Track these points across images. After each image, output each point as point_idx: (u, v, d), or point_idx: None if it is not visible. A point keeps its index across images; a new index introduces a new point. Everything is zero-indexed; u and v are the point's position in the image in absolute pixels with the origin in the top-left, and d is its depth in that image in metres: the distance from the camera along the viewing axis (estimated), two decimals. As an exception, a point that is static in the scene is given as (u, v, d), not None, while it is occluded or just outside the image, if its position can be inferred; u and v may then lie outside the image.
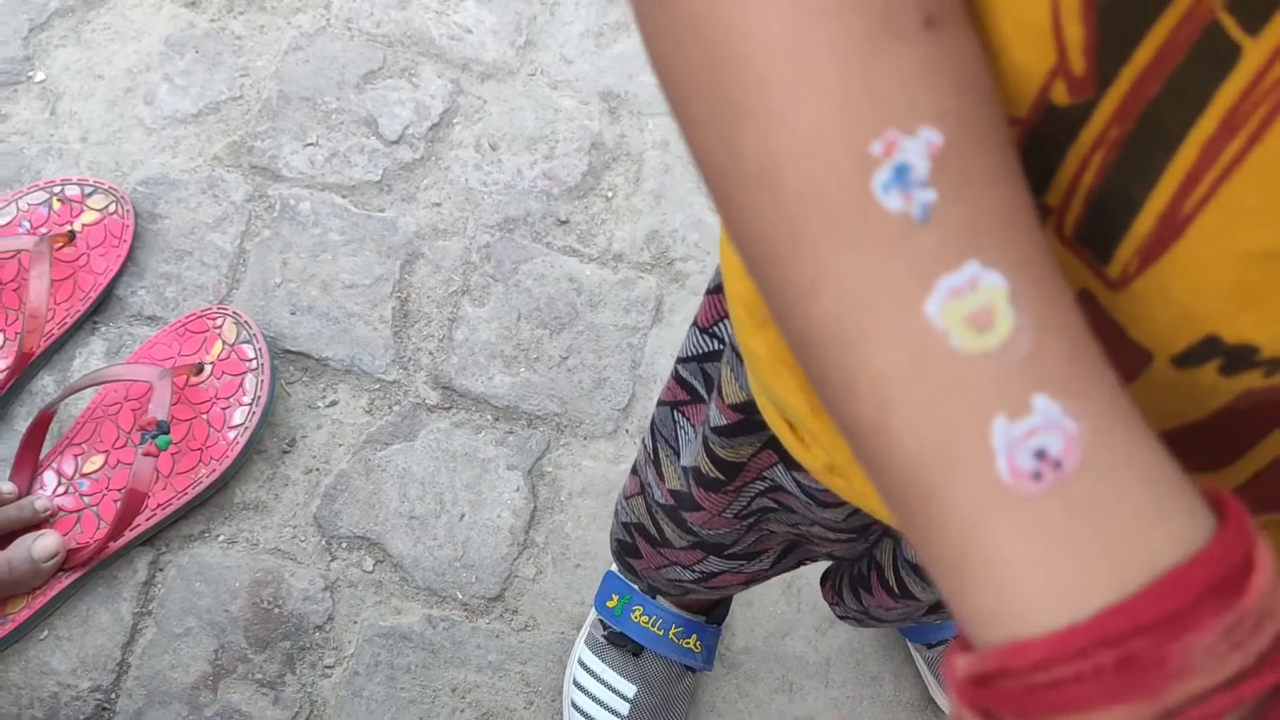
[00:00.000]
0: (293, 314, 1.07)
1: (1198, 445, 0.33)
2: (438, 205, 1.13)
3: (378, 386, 1.06)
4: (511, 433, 1.05)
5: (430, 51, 1.19)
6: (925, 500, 0.24)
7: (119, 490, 0.96)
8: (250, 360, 1.01)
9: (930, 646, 0.98)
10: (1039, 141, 0.27)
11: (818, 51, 0.24)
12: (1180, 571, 0.22)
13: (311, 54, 1.18)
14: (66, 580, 0.94)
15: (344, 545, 1.01)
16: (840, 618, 0.81)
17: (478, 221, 1.12)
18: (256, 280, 1.08)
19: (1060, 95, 0.26)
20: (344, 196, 1.12)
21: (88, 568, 0.95)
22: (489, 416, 1.06)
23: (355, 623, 0.98)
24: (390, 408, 1.05)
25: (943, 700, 0.99)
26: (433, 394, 1.06)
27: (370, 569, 1.00)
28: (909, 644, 1.01)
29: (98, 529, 0.95)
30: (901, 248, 0.24)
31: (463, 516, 1.02)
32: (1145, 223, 0.26)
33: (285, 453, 1.03)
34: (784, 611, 1.03)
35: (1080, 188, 0.27)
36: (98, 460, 0.98)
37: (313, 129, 1.14)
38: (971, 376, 0.23)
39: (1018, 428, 0.23)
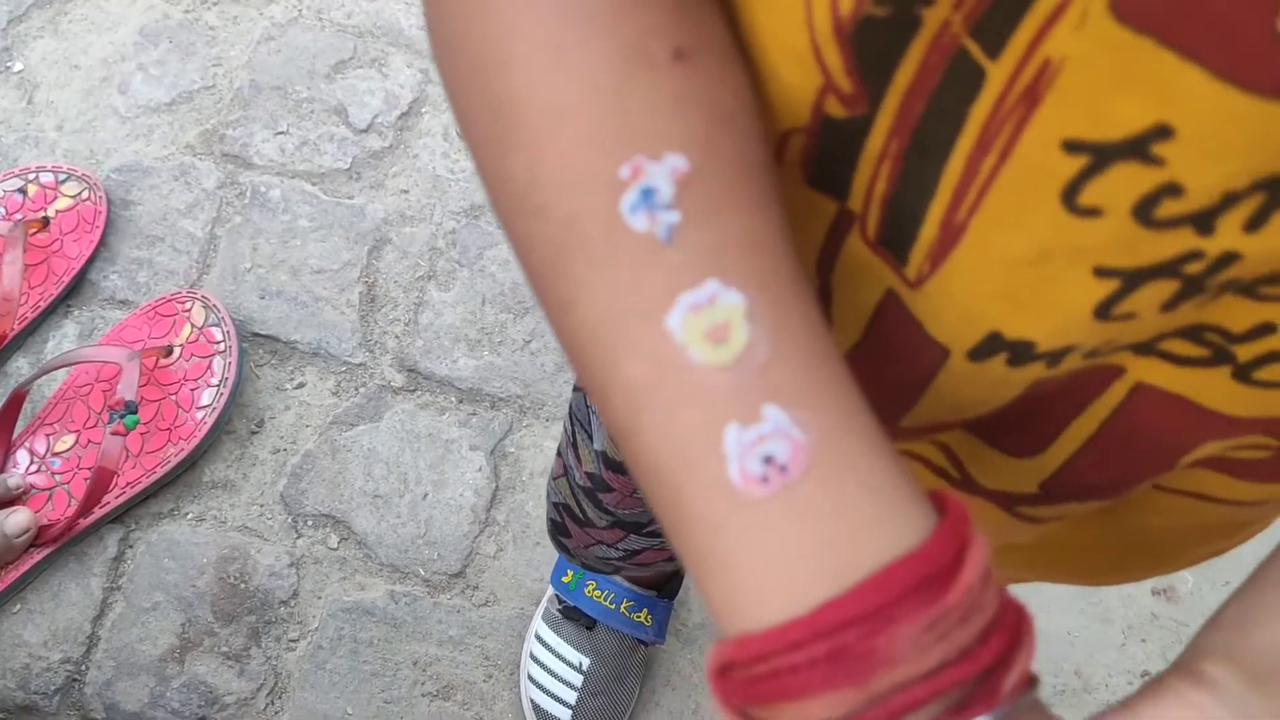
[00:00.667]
0: (262, 298, 1.09)
1: (1011, 432, 0.36)
2: (405, 192, 1.15)
3: (344, 369, 1.08)
4: (475, 414, 1.08)
5: (400, 42, 1.22)
6: (673, 500, 0.26)
7: (89, 469, 0.99)
8: (219, 343, 1.04)
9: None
10: (832, 149, 0.29)
11: (573, 83, 0.26)
12: (889, 570, 0.24)
13: (283, 44, 1.20)
14: (38, 556, 0.97)
15: (310, 523, 1.03)
16: None
17: (444, 208, 1.15)
18: (227, 265, 1.10)
19: (835, 109, 0.28)
20: (314, 184, 1.14)
21: (59, 544, 0.98)
22: (453, 398, 1.08)
23: (320, 598, 1.01)
24: (356, 389, 1.08)
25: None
26: (398, 376, 1.09)
27: (335, 546, 1.03)
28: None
29: (69, 506, 0.98)
30: (647, 266, 0.25)
31: (426, 495, 1.05)
32: (930, 230, 0.28)
33: (253, 433, 1.05)
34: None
35: (875, 195, 0.29)
36: (69, 440, 1.01)
37: (284, 118, 1.17)
38: (708, 387, 0.25)
39: (748, 434, 0.24)
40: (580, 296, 0.26)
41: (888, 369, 0.34)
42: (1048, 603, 1.07)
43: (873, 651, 0.23)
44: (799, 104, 0.28)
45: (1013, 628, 0.25)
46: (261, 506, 1.03)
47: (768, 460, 0.24)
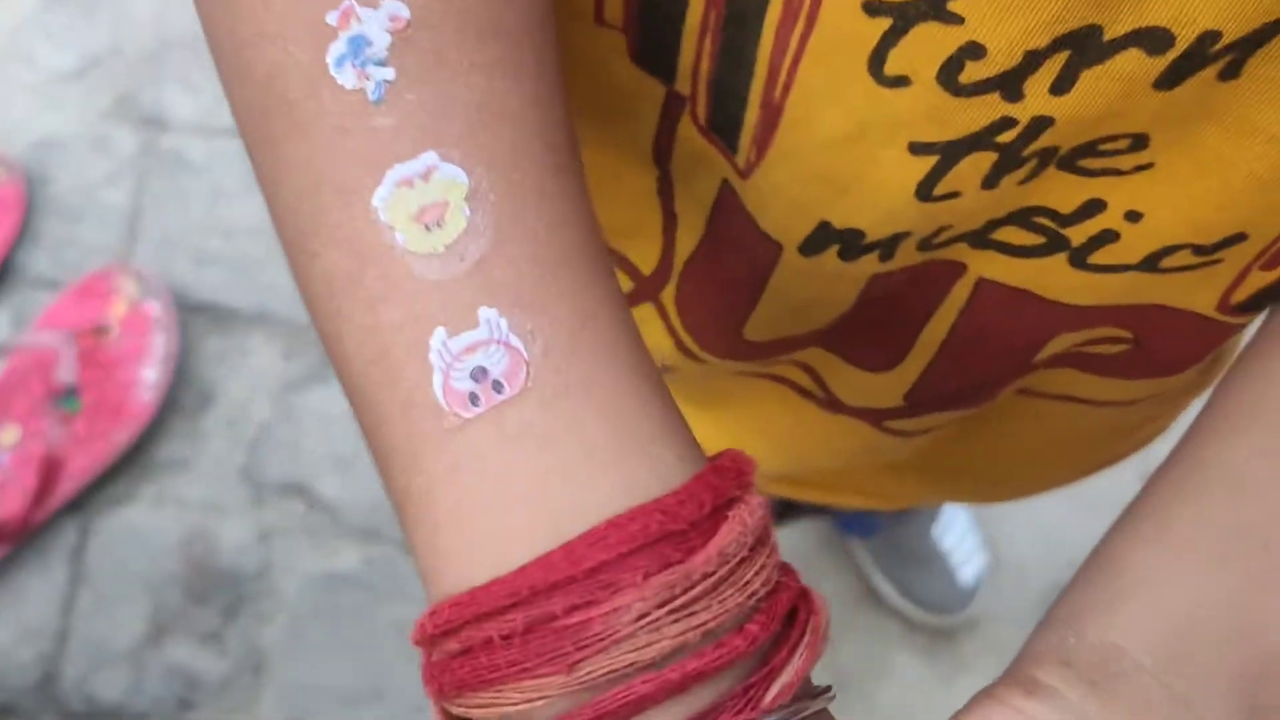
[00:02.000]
0: (197, 265, 1.05)
1: (865, 345, 0.34)
2: (337, 140, 1.10)
3: (291, 331, 1.04)
4: (432, 364, 1.05)
5: (314, -20, 1.16)
6: (374, 423, 0.21)
7: (37, 460, 0.95)
8: (157, 317, 1.00)
9: (865, 539, 0.99)
10: (653, 21, 0.26)
11: None
12: (616, 521, 0.19)
13: (190, -5, 1.14)
14: (-5, 555, 0.94)
15: (273, 493, 1.00)
16: None
17: (379, 153, 1.10)
18: (156, 234, 1.05)
19: None
20: (236, 140, 1.09)
21: (16, 541, 0.95)
22: (408, 350, 1.05)
23: (292, 570, 0.98)
24: (306, 350, 1.04)
25: (882, 586, 1.00)
26: (349, 333, 1.05)
27: (302, 514, 1.00)
28: (844, 539, 1.02)
29: (20, 500, 0.95)
30: (353, 131, 0.21)
31: (390, 453, 1.02)
32: (753, 112, 0.25)
33: (203, 407, 1.02)
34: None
35: (701, 76, 0.26)
36: (14, 432, 0.97)
37: (197, 74, 1.11)
38: (414, 280, 0.21)
39: (458, 342, 0.20)
40: (281, 170, 0.22)
41: (726, 268, 0.32)
42: (1039, 498, 1.05)
43: (585, 626, 0.19)
44: None
45: (786, 611, 0.20)
46: (221, 482, 1.00)
47: (479, 375, 0.20)
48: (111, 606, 0.96)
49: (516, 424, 0.20)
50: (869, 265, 0.28)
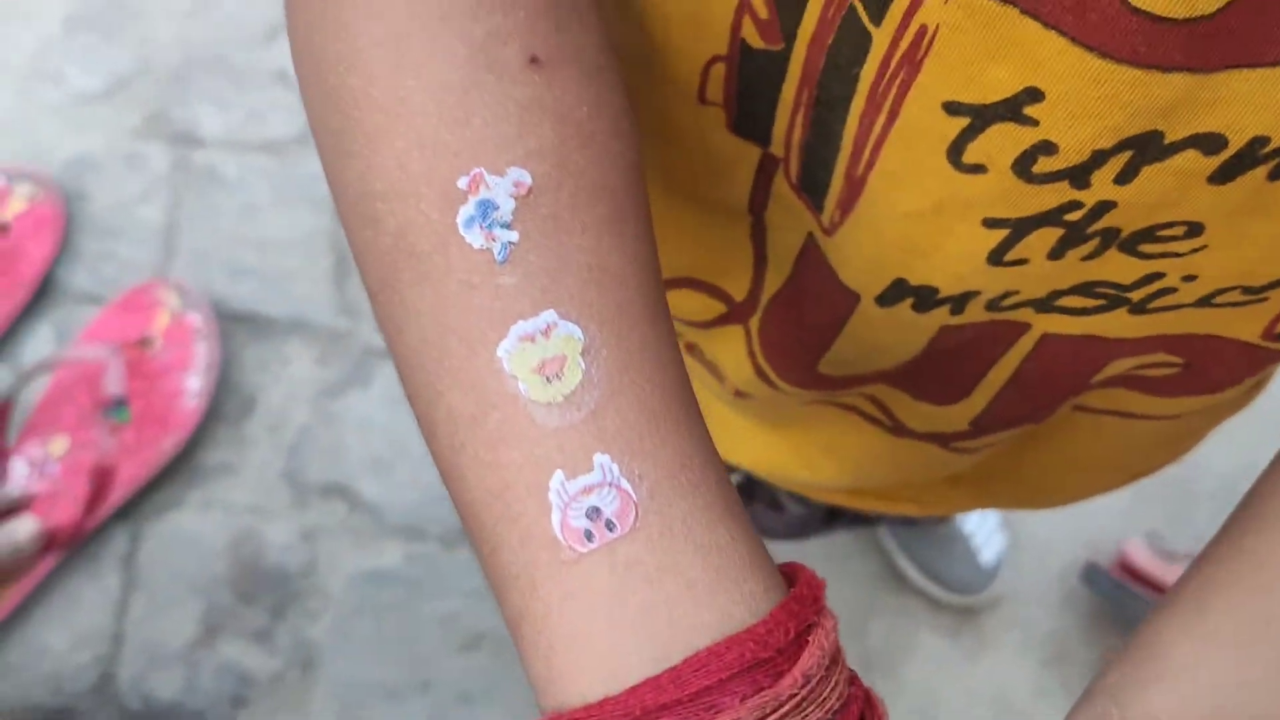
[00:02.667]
0: (233, 277, 1.08)
1: (930, 384, 0.36)
2: (363, 151, 1.13)
3: (326, 338, 1.07)
4: (464, 366, 1.08)
5: (335, -4, 1.18)
6: (492, 550, 0.24)
7: (88, 469, 0.98)
8: (199, 328, 1.03)
9: (890, 523, 1.02)
10: (752, 86, 0.28)
11: (414, 82, 0.24)
12: (715, 650, 0.22)
13: (211, 14, 1.17)
14: (51, 562, 0.97)
15: (316, 495, 1.03)
16: None
17: (404, 163, 1.13)
18: (191, 249, 1.09)
19: (752, 36, 0.27)
20: (266, 155, 1.12)
21: (69, 548, 0.98)
22: (440, 353, 1.08)
23: (336, 568, 1.02)
24: (342, 357, 1.07)
25: (907, 568, 1.04)
26: (381, 339, 1.08)
27: (344, 515, 1.03)
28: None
29: (73, 509, 0.98)
30: (479, 287, 0.23)
31: (426, 455, 1.05)
32: (837, 181, 0.28)
33: (245, 414, 1.05)
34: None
35: (794, 142, 0.29)
36: (63, 443, 1.00)
37: (225, 90, 1.14)
38: (535, 426, 0.23)
39: (575, 484, 0.23)
40: (408, 318, 0.24)
41: (808, 310, 0.35)
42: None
43: None
44: (718, 24, 0.28)
45: (856, 718, 0.23)
46: (265, 485, 1.03)
47: (594, 514, 0.22)
48: (164, 609, 0.99)
49: (626, 559, 0.22)
50: (940, 317, 0.30)
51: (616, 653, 0.22)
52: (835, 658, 0.23)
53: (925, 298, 0.30)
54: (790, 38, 0.26)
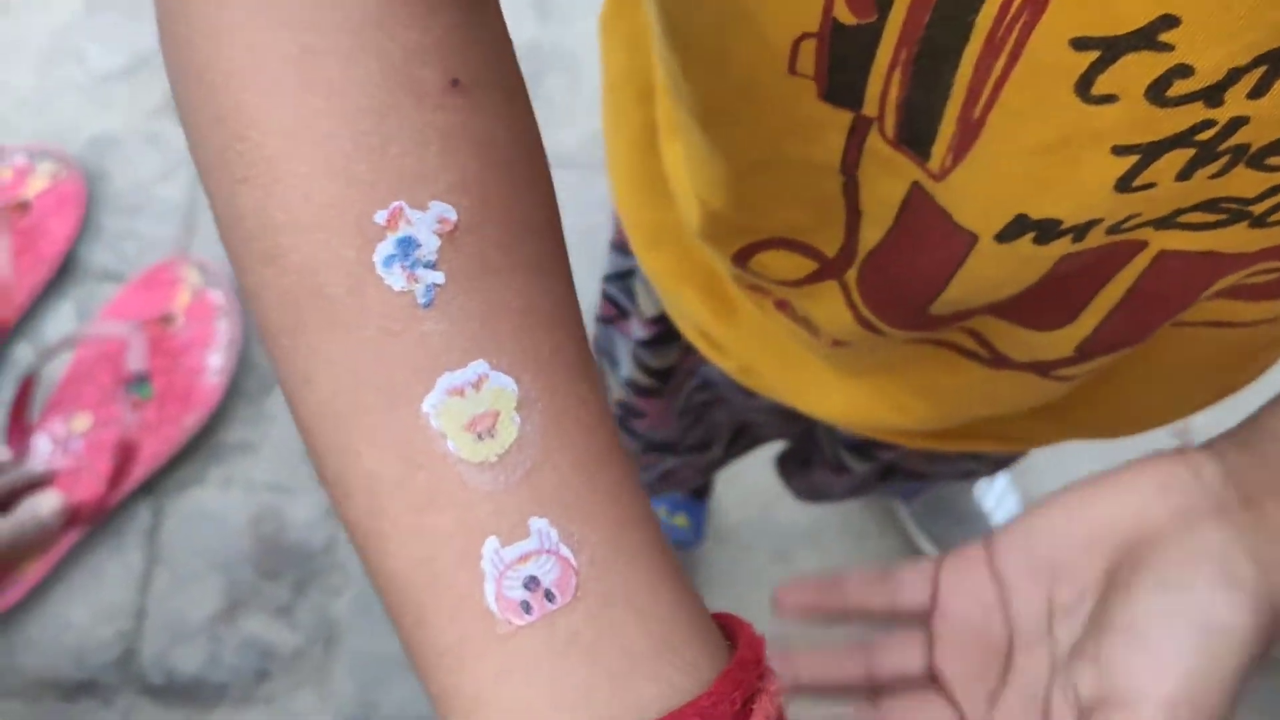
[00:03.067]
0: (254, 255, 1.08)
1: (1037, 311, 0.36)
2: (382, 130, 1.13)
3: (348, 316, 1.08)
4: (484, 345, 1.08)
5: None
6: (416, 623, 0.22)
7: (111, 446, 0.99)
8: (220, 305, 1.03)
9: (908, 500, 1.02)
10: (843, 59, 0.28)
11: (322, 102, 0.21)
12: None
13: (235, -7, 1.17)
14: (75, 536, 0.98)
15: (336, 472, 1.04)
16: (796, 495, 0.84)
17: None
18: (212, 227, 1.08)
19: (844, 14, 0.26)
20: (288, 133, 1.12)
21: (92, 523, 0.98)
22: (460, 332, 1.08)
23: (357, 543, 1.02)
24: (363, 335, 1.07)
25: (925, 546, 1.04)
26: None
27: (365, 491, 1.04)
28: (889, 501, 1.05)
29: (96, 484, 0.98)
30: (401, 335, 0.21)
31: (447, 431, 1.05)
32: (949, 126, 0.28)
33: (266, 392, 1.05)
34: (772, 484, 1.07)
35: (890, 101, 0.28)
36: (86, 419, 1.00)
37: (247, 69, 1.14)
38: (465, 489, 0.21)
39: (510, 551, 0.21)
40: (317, 367, 0.22)
41: (918, 257, 0.34)
42: (1075, 450, 1.09)
43: None
44: (809, 4, 0.27)
45: None
46: (286, 462, 1.04)
47: (531, 584, 0.21)
48: (186, 584, 1.00)
49: (566, 632, 0.21)
50: (1061, 248, 0.30)
51: None
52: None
53: (1047, 230, 0.29)
54: (885, 6, 0.25)
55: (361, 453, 0.22)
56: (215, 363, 1.02)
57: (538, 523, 0.21)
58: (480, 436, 0.21)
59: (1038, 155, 0.27)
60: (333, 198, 0.21)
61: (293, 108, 0.21)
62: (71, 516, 0.98)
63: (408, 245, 0.21)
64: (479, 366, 0.21)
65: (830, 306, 0.41)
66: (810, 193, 0.35)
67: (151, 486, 1.01)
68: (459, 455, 0.21)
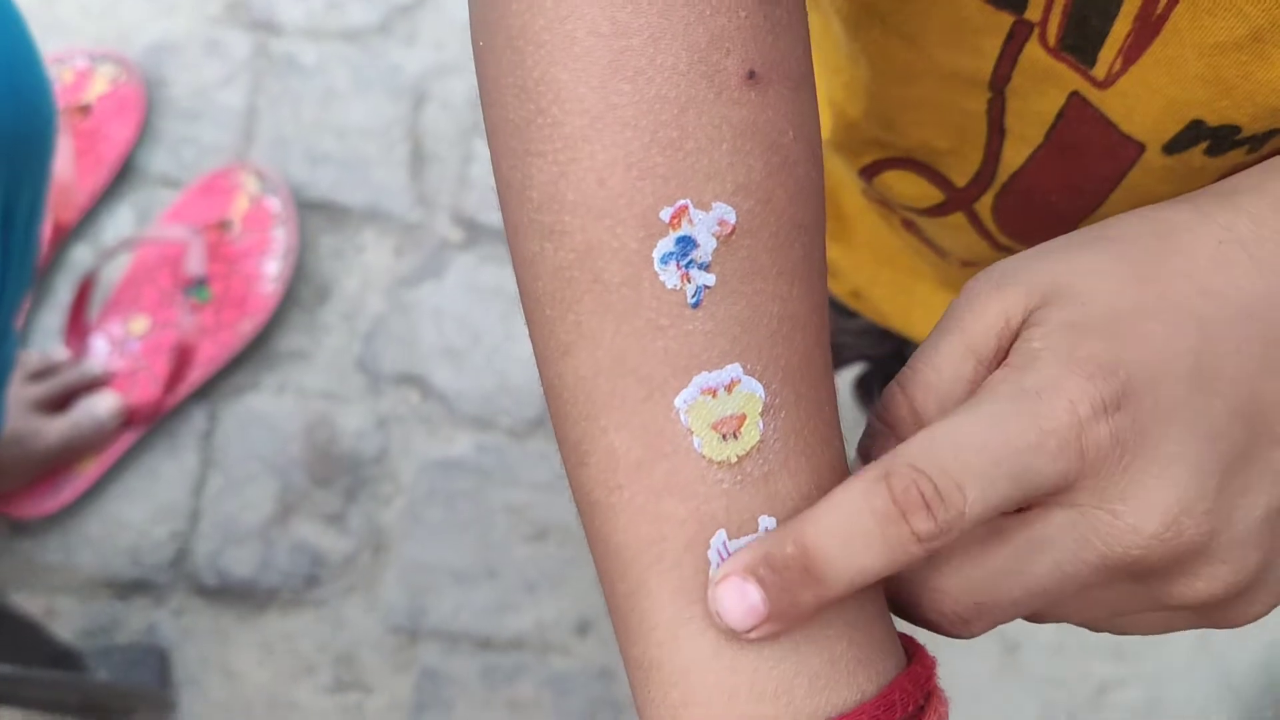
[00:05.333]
0: (311, 164, 1.08)
1: None
2: (441, 45, 1.12)
3: (402, 229, 1.07)
4: (538, 263, 1.08)
5: (415, -113, 1.17)
6: (632, 592, 0.23)
7: (168, 349, 1.00)
8: (277, 213, 1.03)
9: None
10: None
11: (629, 95, 0.22)
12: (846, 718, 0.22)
13: (295, -99, 1.15)
14: (131, 437, 0.99)
15: (389, 383, 1.04)
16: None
17: (482, 57, 1.12)
18: (270, 135, 1.09)
19: None
20: (345, 43, 1.11)
21: (148, 424, 0.99)
22: (514, 249, 1.08)
23: (408, 455, 1.03)
24: (416, 248, 1.07)
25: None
26: (456, 232, 1.08)
27: (416, 403, 1.04)
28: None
29: (153, 386, 0.99)
30: (667, 330, 0.22)
31: (498, 348, 1.05)
32: (1123, 26, 0.26)
33: (321, 301, 1.05)
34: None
35: (1056, 3, 0.27)
36: (144, 322, 1.01)
37: (307, -22, 1.13)
38: (703, 483, 0.22)
39: (736, 545, 0.22)
40: (580, 343, 0.23)
41: (1072, 174, 0.33)
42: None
43: None
44: None
45: None
46: (339, 372, 1.04)
47: None
48: (240, 488, 1.01)
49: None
50: (1233, 159, 0.29)
51: (753, 718, 0.22)
52: None
53: (1222, 139, 0.28)
54: None
55: (608, 430, 0.23)
56: (272, 270, 1.02)
57: (766, 521, 0.22)
58: (725, 437, 0.22)
59: (1223, 53, 0.25)
60: (625, 187, 0.22)
61: (599, 90, 0.22)
62: (128, 417, 0.99)
63: (686, 245, 0.22)
64: (733, 370, 0.22)
65: (958, 234, 0.40)
66: (953, 111, 0.34)
67: (206, 391, 1.02)
68: (702, 452, 0.22)
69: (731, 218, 0.22)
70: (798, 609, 0.21)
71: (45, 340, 1.02)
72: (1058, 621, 0.25)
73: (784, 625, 0.21)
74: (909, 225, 0.43)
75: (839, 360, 0.73)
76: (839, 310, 0.60)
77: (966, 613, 0.23)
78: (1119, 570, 0.23)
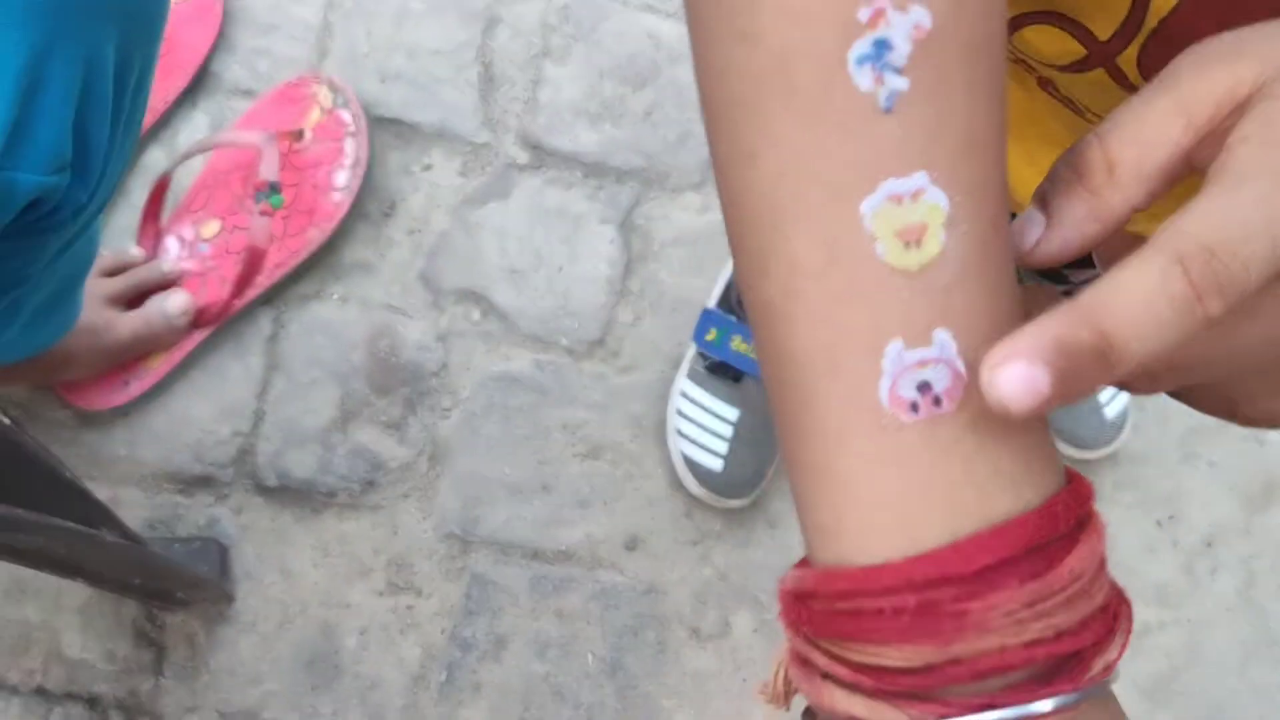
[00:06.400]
0: (382, 82, 1.09)
1: None
2: (513, -31, 1.13)
3: (469, 149, 1.09)
4: (601, 188, 1.09)
5: None
6: (803, 399, 0.24)
7: (238, 252, 1.01)
8: (348, 124, 1.04)
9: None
10: None
11: None
12: (998, 531, 0.22)
13: None
14: (199, 336, 1.01)
15: (451, 299, 1.06)
16: None
17: (554, -17, 1.13)
18: (343, 50, 1.10)
19: None
20: (422, -37, 1.12)
21: (216, 324, 1.01)
22: (578, 173, 1.09)
23: (468, 369, 1.04)
24: (483, 168, 1.08)
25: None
26: (522, 154, 1.09)
27: (477, 320, 1.06)
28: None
29: (222, 288, 1.01)
30: (856, 133, 0.22)
31: (561, 269, 1.07)
32: None
33: (387, 215, 1.07)
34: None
35: None
36: (215, 225, 1.03)
37: (385, -104, 1.14)
38: (882, 291, 0.22)
39: (911, 355, 0.23)
40: (767, 148, 0.23)
41: (1233, 15, 0.31)
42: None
43: (964, 614, 0.22)
44: None
45: (1114, 616, 0.24)
46: (402, 285, 1.06)
47: (924, 387, 0.23)
48: (302, 392, 1.03)
49: (947, 438, 0.23)
50: None
51: (912, 521, 0.23)
52: (1101, 560, 0.24)
53: None
54: None
55: (791, 236, 0.23)
56: (340, 180, 1.03)
57: (941, 334, 0.22)
58: (908, 245, 0.22)
59: None
60: None
61: None
62: (197, 317, 1.01)
63: (882, 47, 0.22)
64: (920, 179, 0.22)
65: (1098, 92, 0.39)
66: None
67: (273, 297, 1.04)
68: (884, 259, 0.22)
69: (927, 22, 0.22)
70: (1080, 391, 0.21)
71: (119, 239, 1.04)
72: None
73: (1057, 406, 0.22)
74: (1045, 84, 0.43)
75: None
76: None
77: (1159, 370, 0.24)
78: None
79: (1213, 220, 0.21)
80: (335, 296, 1.05)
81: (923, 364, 0.23)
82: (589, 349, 1.05)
